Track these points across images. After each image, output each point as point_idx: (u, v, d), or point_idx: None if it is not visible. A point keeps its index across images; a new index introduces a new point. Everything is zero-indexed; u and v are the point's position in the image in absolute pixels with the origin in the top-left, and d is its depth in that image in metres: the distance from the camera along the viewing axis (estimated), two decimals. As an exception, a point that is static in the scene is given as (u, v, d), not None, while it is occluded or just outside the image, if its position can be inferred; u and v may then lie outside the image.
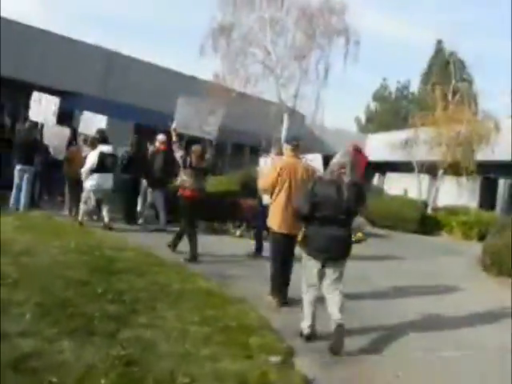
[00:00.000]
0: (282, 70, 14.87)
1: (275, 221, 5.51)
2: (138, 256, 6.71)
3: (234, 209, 11.01)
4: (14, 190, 9.90)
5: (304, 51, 14.78)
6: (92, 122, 9.98)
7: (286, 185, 5.47)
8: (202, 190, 7.57)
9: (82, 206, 9.13)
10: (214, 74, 14.98)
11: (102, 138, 9.16)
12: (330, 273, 4.51)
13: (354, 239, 11.56)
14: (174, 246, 7.67)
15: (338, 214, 4.39)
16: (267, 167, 7.10)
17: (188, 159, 7.39)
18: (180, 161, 7.48)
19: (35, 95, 10.26)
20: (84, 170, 8.97)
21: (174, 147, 7.63)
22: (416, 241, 14.12)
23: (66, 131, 10.71)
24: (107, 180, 9.10)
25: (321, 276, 4.54)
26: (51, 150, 10.40)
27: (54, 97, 10.26)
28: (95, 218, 9.99)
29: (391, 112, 43.71)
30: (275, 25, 14.48)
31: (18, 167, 9.89)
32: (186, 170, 7.36)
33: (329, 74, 16.08)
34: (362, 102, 64.23)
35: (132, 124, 17.33)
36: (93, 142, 9.17)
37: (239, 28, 14.43)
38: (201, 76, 16.97)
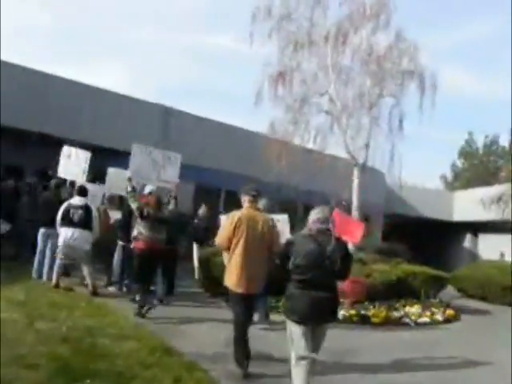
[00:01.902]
0: (348, 119, 13.17)
1: (232, 279, 4.87)
2: (140, 349, 5.02)
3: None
4: (36, 257, 8.70)
5: (373, 98, 13.06)
6: (120, 180, 8.67)
7: (243, 239, 4.85)
8: (158, 241, 7.00)
9: (56, 264, 7.99)
10: (269, 126, 13.53)
11: (78, 189, 8.22)
12: (314, 336, 4.08)
13: (443, 317, 8.90)
14: (140, 311, 6.71)
15: (322, 274, 4.01)
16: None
17: (145, 210, 6.96)
18: (136, 212, 7.07)
19: (65, 149, 9.28)
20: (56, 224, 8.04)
21: (130, 198, 7.23)
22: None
23: (101, 190, 9.54)
24: (77, 237, 7.85)
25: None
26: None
27: (85, 151, 9.25)
28: (124, 289, 8.58)
29: (479, 168, 40.56)
30: (339, 70, 12.98)
31: (42, 230, 8.74)
32: (141, 220, 6.94)
33: (405, 125, 14.06)
34: (445, 157, 60.59)
35: (192, 184, 16.33)
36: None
37: (299, 74, 13.04)
38: (256, 129, 15.70)
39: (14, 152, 13.18)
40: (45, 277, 8.57)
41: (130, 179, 7.43)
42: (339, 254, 4.03)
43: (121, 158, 13.43)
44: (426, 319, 8.83)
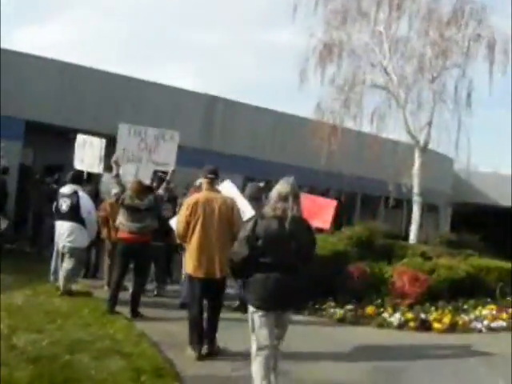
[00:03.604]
0: (406, 94, 11.60)
1: (190, 264, 4.81)
2: (123, 370, 3.99)
3: (340, 279, 7.72)
4: (53, 257, 7.90)
5: (435, 69, 11.43)
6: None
7: (200, 222, 4.72)
8: (139, 232, 6.25)
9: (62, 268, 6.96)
10: (316, 108, 12.17)
11: (71, 176, 7.28)
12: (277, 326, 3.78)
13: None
14: (133, 311, 6.14)
15: (286, 257, 3.68)
16: None
17: (123, 196, 6.31)
18: (113, 198, 6.75)
19: (79, 139, 8.46)
20: None
21: (115, 182, 6.61)
22: None
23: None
24: (65, 230, 6.88)
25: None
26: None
27: (100, 139, 8.38)
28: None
29: (563, 150, 37.11)
30: (395, 40, 11.46)
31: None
32: (120, 208, 6.39)
33: (474, 100, 12.21)
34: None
35: (241, 177, 15.27)
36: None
37: (348, 47, 11.61)
38: (303, 113, 14.35)
39: (55, 151, 12.75)
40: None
41: (116, 162, 6.60)
42: (306, 235, 3.79)
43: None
44: (502, 323, 7.29)
